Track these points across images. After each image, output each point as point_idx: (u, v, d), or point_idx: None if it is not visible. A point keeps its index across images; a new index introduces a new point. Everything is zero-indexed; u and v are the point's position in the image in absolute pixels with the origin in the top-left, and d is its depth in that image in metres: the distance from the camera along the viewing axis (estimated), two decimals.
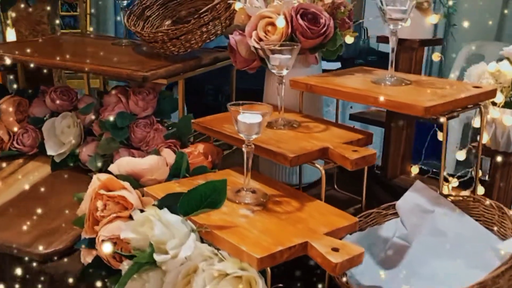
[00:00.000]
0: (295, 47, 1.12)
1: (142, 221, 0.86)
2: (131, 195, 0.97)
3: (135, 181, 1.08)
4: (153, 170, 1.09)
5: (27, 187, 1.33)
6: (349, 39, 1.28)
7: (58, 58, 1.37)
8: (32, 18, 1.81)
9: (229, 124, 1.20)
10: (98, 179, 1.04)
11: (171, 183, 1.08)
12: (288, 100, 1.28)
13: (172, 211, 0.90)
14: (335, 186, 1.34)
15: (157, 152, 1.16)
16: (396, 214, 1.05)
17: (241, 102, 1.01)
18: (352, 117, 1.76)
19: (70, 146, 1.42)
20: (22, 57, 1.40)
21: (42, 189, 1.32)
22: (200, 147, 1.27)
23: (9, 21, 1.82)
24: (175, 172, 1.14)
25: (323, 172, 1.02)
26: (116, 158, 1.36)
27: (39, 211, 1.21)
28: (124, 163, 1.09)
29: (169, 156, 1.18)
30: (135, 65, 1.31)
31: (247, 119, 0.98)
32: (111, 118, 1.37)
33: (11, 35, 2.04)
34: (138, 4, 1.57)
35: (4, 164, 1.45)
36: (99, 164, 1.36)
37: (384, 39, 1.33)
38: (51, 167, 1.43)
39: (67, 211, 1.21)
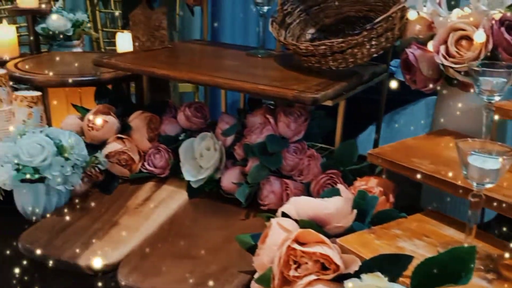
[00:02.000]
0: None
1: None
2: (334, 253, 0.78)
3: (319, 227, 0.90)
4: (339, 215, 0.90)
5: (166, 219, 1.18)
6: None
7: (201, 74, 1.21)
8: (151, 23, 1.66)
9: (418, 158, 1.00)
10: (281, 226, 0.86)
11: (365, 234, 0.89)
12: (461, 125, 1.07)
13: (385, 274, 0.72)
14: None
15: (337, 192, 0.97)
16: None
17: (470, 139, 0.81)
18: None
19: (210, 171, 1.26)
20: (160, 71, 1.25)
21: (184, 222, 1.17)
22: (373, 182, 1.08)
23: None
24: (357, 217, 0.95)
25: None
26: (267, 188, 1.19)
27: (188, 252, 1.05)
28: (306, 205, 0.90)
29: (345, 195, 0.99)
30: (295, 84, 1.12)
31: (483, 163, 0.77)
32: (258, 142, 1.20)
33: (123, 40, 1.91)
34: (279, 11, 1.39)
35: (135, 188, 1.30)
36: (247, 194, 1.19)
37: None
38: (188, 193, 1.28)
39: (221, 253, 1.04)
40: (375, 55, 1.18)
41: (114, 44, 2.75)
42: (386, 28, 1.14)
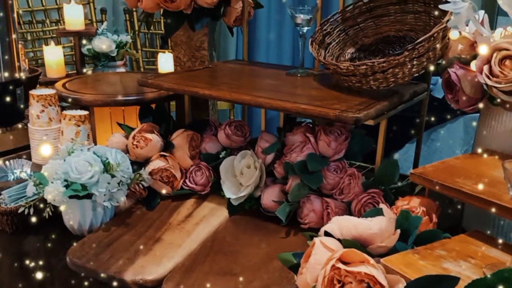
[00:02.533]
0: None
1: None
2: (378, 272, 0.79)
3: (362, 247, 0.90)
4: (383, 235, 0.90)
5: (208, 236, 1.20)
6: None
7: (244, 94, 1.23)
8: (193, 44, 1.71)
9: (462, 178, 1.00)
10: (325, 245, 0.87)
11: (409, 254, 0.89)
12: (504, 145, 1.06)
13: None
14: None
15: (380, 212, 0.97)
16: None
17: None
18: None
19: (251, 188, 1.27)
20: (203, 91, 1.28)
21: (226, 239, 1.18)
22: (416, 201, 1.07)
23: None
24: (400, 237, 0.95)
25: None
26: (307, 206, 1.20)
27: (230, 269, 1.07)
28: (349, 225, 0.91)
29: (388, 214, 0.99)
30: (336, 103, 1.13)
31: None
32: (298, 160, 1.21)
33: (164, 60, 1.97)
34: (319, 31, 1.41)
35: (177, 205, 1.33)
36: (287, 212, 1.20)
37: None
38: (228, 211, 1.30)
39: (263, 271, 1.06)
40: (416, 74, 1.19)
41: (152, 63, 2.84)
42: (427, 48, 1.14)
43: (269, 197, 1.25)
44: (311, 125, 1.33)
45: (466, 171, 1.03)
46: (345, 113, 1.07)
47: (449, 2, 1.07)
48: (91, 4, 2.67)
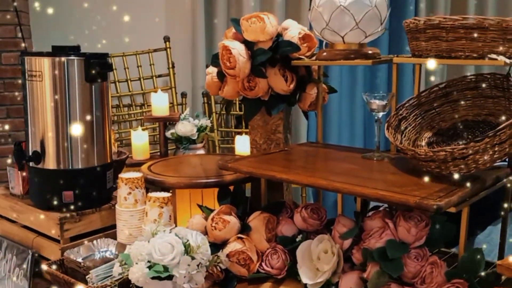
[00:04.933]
0: None
1: None
2: None
3: None
4: None
5: None
6: None
7: (320, 178, 1.26)
8: (269, 127, 1.78)
9: None
10: None
11: None
12: None
13: None
14: None
15: None
16: None
17: None
18: None
19: (328, 274, 1.26)
20: (280, 175, 1.32)
21: None
22: None
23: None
24: None
25: None
26: None
27: None
28: None
29: None
30: (415, 190, 1.13)
31: None
32: (377, 246, 1.20)
33: (241, 142, 2.05)
34: (394, 116, 1.43)
35: None
36: None
37: None
38: None
39: None
40: (498, 161, 1.16)
41: (227, 142, 2.95)
42: (509, 134, 1.12)
43: (347, 284, 1.23)
44: (388, 210, 1.32)
45: None
46: (426, 200, 1.06)
47: None
48: (173, 89, 2.87)
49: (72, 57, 1.55)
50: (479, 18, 1.22)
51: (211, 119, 2.23)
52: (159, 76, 2.91)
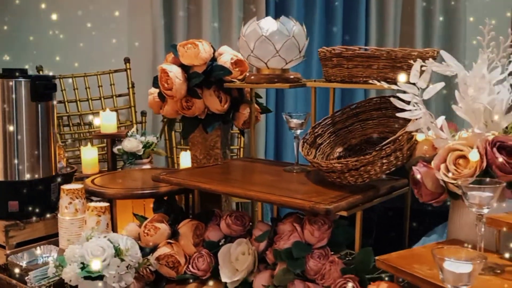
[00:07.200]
0: (498, 185, 1.03)
1: None
2: None
3: None
4: None
5: None
6: None
7: (236, 187, 1.42)
8: (207, 143, 1.94)
9: (419, 264, 1.11)
10: None
11: None
12: (468, 235, 1.17)
13: None
14: None
15: None
16: None
17: (445, 246, 0.93)
18: None
19: (244, 273, 1.41)
20: (203, 185, 1.47)
21: None
22: (384, 286, 1.18)
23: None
24: None
25: None
26: None
27: None
28: None
29: None
30: (315, 196, 1.30)
31: (456, 267, 0.88)
32: (286, 247, 1.35)
33: (185, 158, 2.21)
34: (310, 133, 1.61)
35: None
36: None
37: None
38: None
39: None
40: (387, 171, 1.35)
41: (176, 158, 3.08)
42: (394, 148, 1.31)
43: (260, 281, 1.39)
44: (299, 215, 1.48)
45: (426, 258, 1.14)
46: (318, 204, 1.23)
47: (406, 110, 1.25)
48: (133, 108, 3.01)
49: (20, 79, 1.70)
50: (372, 49, 1.42)
51: (157, 135, 2.37)
52: (119, 95, 3.05)
